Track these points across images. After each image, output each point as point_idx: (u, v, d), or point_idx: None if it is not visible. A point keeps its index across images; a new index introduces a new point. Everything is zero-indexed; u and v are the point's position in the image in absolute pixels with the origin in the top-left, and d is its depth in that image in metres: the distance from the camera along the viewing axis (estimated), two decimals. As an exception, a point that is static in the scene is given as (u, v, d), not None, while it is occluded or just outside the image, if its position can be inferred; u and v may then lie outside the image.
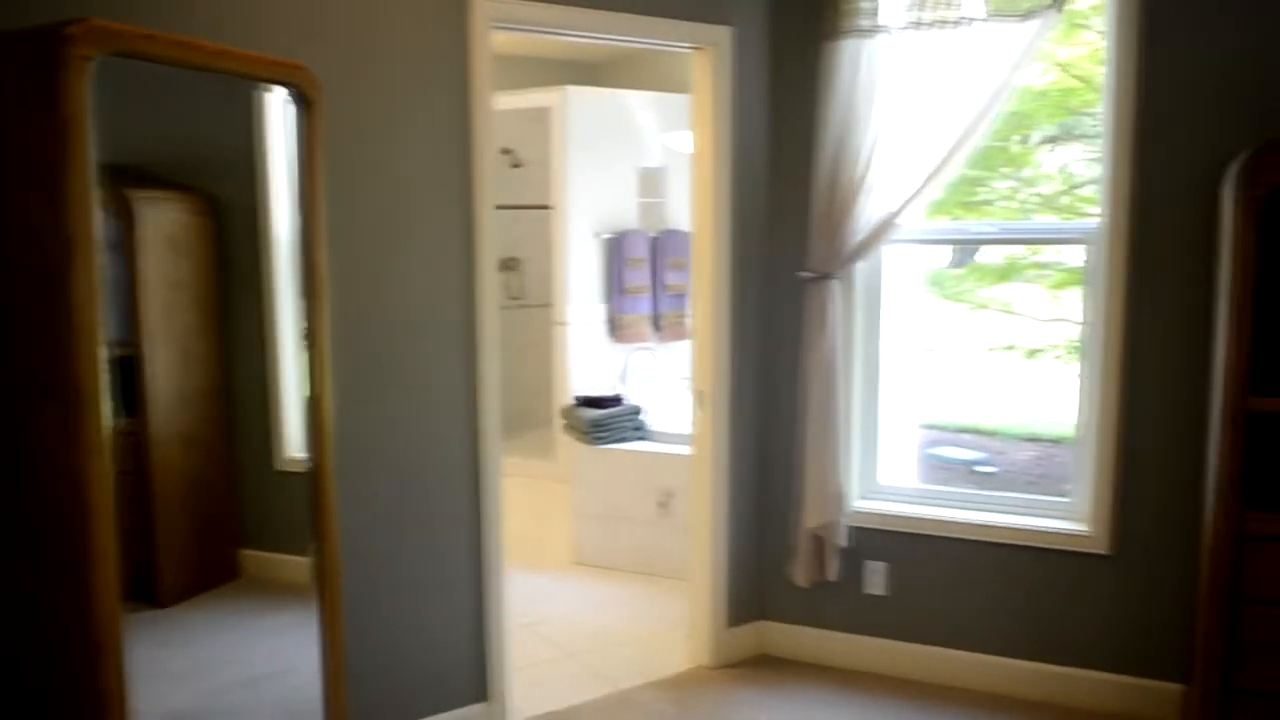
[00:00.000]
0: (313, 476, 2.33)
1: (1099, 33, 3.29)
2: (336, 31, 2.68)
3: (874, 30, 3.23)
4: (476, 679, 3.10)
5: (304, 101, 2.23)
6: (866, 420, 3.57)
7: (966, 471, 6.88)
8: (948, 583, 3.45)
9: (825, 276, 3.34)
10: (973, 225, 3.73)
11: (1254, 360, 2.60)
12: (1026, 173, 6.64)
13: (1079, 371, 3.31)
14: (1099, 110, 3.21)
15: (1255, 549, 2.62)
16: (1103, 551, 3.21)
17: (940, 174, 3.20)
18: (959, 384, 7.61)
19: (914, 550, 3.48)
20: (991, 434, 7.42)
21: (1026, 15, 3.06)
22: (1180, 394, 3.05)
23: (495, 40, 2.95)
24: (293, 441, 2.43)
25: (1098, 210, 3.16)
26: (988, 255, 6.89)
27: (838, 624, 3.60)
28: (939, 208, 6.41)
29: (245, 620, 2.49)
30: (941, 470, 6.91)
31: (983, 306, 6.61)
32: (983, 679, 3.42)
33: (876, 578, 3.52)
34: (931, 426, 7.58)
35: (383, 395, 2.85)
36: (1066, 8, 3.09)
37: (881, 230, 3.28)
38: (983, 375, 7.45)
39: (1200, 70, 2.97)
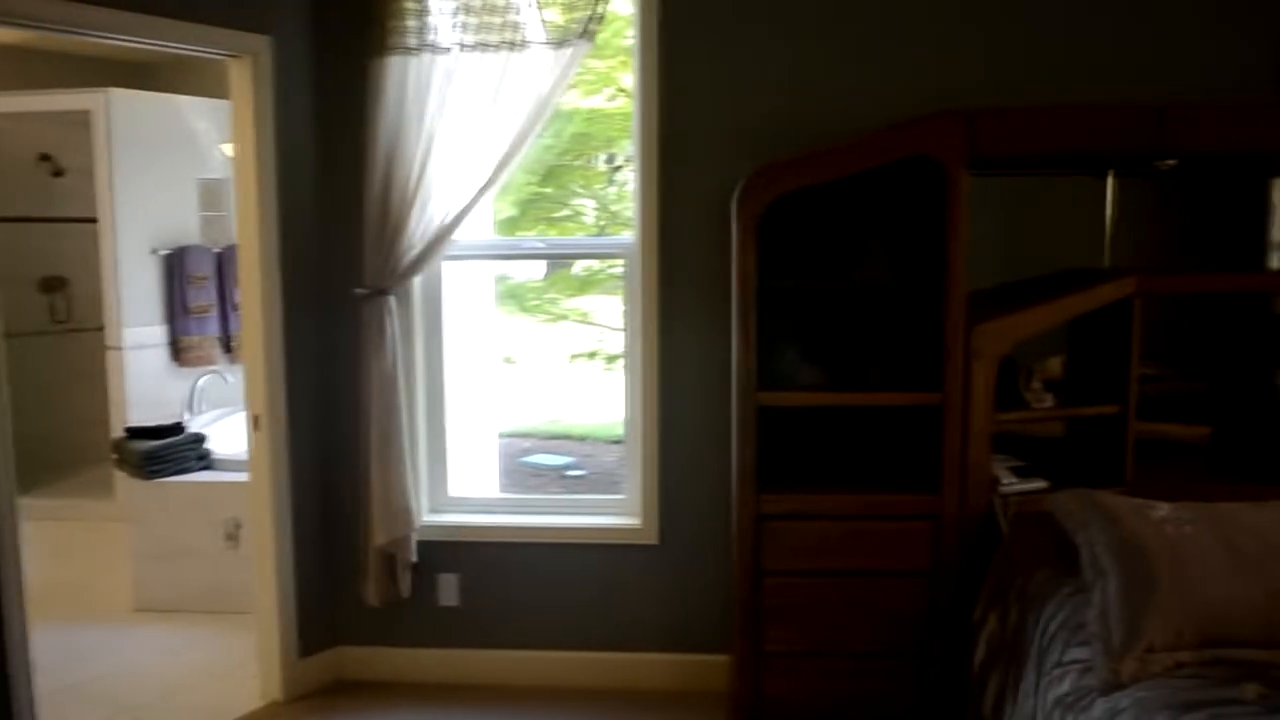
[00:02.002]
0: None
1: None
2: None
3: (420, 49, 3.25)
4: (-4, 757, 2.74)
5: None
6: (433, 435, 3.59)
7: (557, 476, 7.16)
8: (519, 586, 3.56)
9: (381, 292, 3.31)
10: (525, 241, 3.87)
11: (762, 359, 2.93)
12: (613, 190, 7.05)
13: (624, 376, 3.55)
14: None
15: (770, 527, 2.95)
16: (653, 542, 3.47)
17: (490, 189, 3.29)
18: (547, 392, 7.91)
19: (485, 558, 3.55)
20: (582, 438, 7.79)
21: (561, 43, 3.23)
22: (708, 392, 3.37)
23: (25, 35, 2.61)
24: None
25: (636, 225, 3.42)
26: (576, 268, 7.25)
27: (414, 640, 3.59)
28: (519, 223, 6.57)
29: None
30: (534, 477, 7.14)
31: (563, 317, 6.94)
32: (558, 675, 3.56)
33: (449, 590, 3.55)
34: (523, 435, 7.81)
35: None
36: (598, 38, 3.30)
37: (436, 245, 3.31)
38: (569, 382, 7.81)
39: (714, 99, 3.31)
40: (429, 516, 3.55)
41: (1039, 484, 2.95)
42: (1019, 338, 2.88)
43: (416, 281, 3.45)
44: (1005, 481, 2.94)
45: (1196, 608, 2.23)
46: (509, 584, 3.56)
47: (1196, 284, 3.04)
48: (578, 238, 4.23)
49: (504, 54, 3.25)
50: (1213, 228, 3.42)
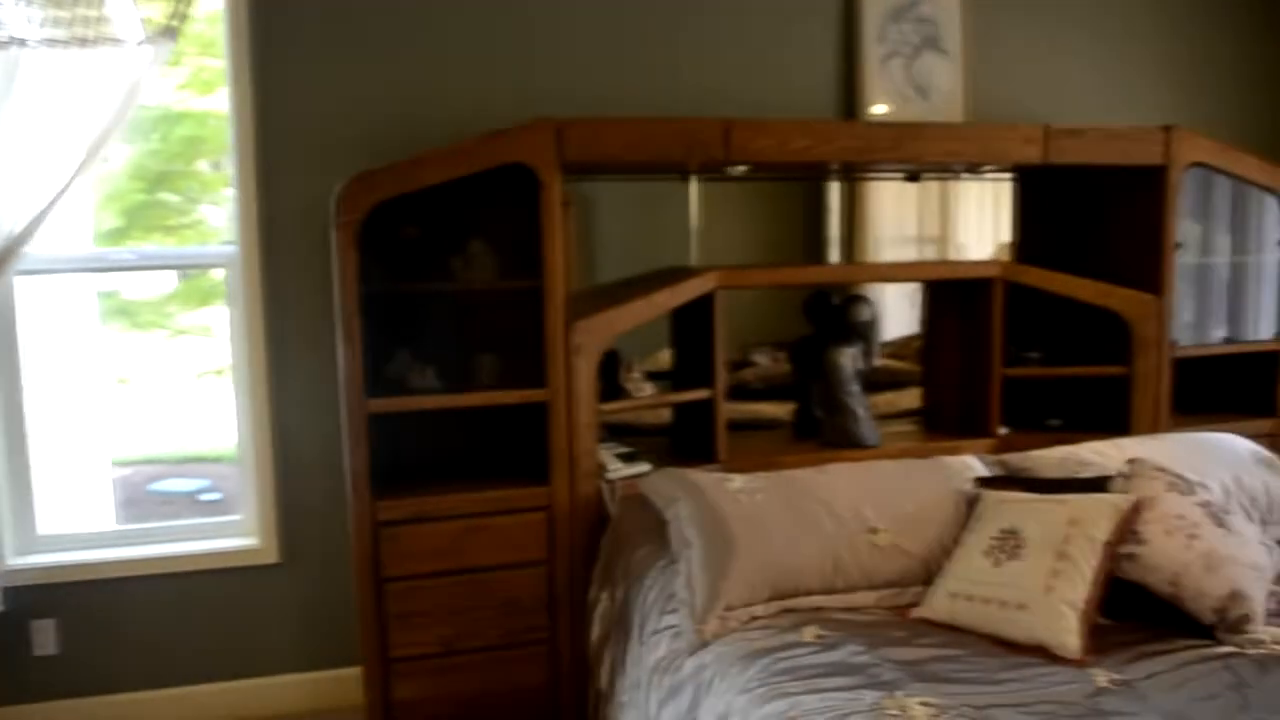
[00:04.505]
0: None
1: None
2: None
3: (-26, 41, 2.94)
4: None
5: None
6: (14, 470, 3.25)
7: (191, 501, 6.70)
8: (131, 624, 3.32)
9: (-63, 314, 2.96)
10: (115, 252, 3.60)
11: (369, 365, 2.93)
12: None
13: (232, 390, 3.41)
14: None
15: (389, 533, 2.95)
16: (274, 561, 3.36)
17: (66, 195, 3.03)
18: (174, 413, 7.38)
19: (88, 598, 3.27)
20: (216, 459, 7.33)
21: (142, 40, 3.05)
22: (324, 402, 3.32)
23: None
24: None
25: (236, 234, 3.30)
26: (197, 280, 6.78)
27: (6, 698, 3.24)
28: (128, 233, 6.09)
29: None
30: (164, 504, 6.64)
31: (184, 332, 6.49)
32: (184, 713, 3.36)
33: (45, 637, 3.24)
34: (152, 461, 7.24)
35: None
36: (208, 36, 3.15)
37: (5, 259, 3.00)
38: (197, 401, 7.32)
39: (315, 104, 3.26)
40: (15, 559, 3.22)
41: (643, 468, 3.16)
42: (617, 332, 3.07)
43: (-16, 300, 3.12)
44: (612, 468, 3.13)
45: (766, 566, 2.50)
46: (118, 622, 3.31)
47: (767, 278, 3.39)
48: (173, 248, 3.98)
49: (75, 50, 3.01)
50: (793, 226, 3.83)
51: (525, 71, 3.39)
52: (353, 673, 3.37)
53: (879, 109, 3.68)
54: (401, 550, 2.95)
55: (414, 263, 3.11)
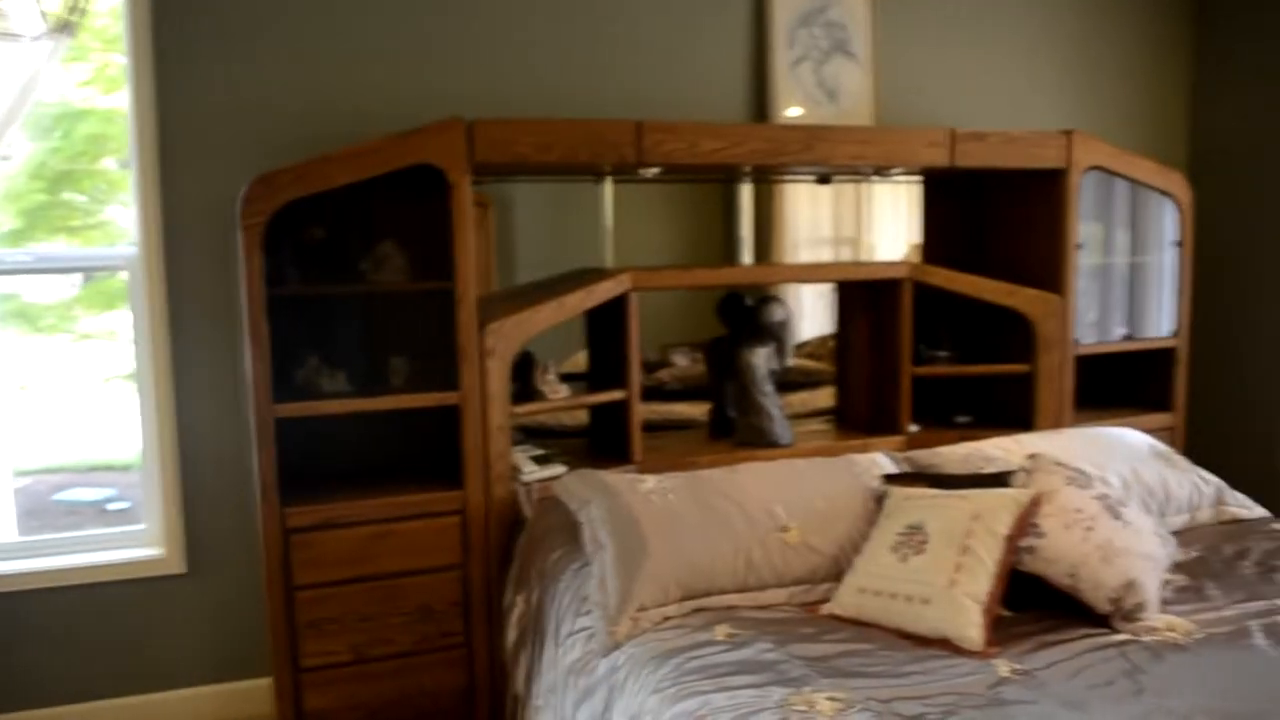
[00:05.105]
0: None
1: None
2: None
3: None
4: None
5: None
6: (-97, 479, 3.13)
7: (98, 511, 6.50)
8: (34, 637, 3.22)
9: None
10: (12, 254, 3.49)
11: (277, 370, 2.87)
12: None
13: (136, 396, 3.32)
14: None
15: (298, 540, 2.89)
16: (179, 571, 3.28)
17: (-45, 199, 2.93)
18: (81, 420, 7.15)
19: (-21, 614, 3.16)
20: (125, 468, 7.12)
21: (38, 35, 2.96)
22: (228, 408, 3.25)
23: None
24: None
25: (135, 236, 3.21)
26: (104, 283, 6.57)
27: (-108, 719, 3.12)
28: (29, 234, 5.90)
29: None
30: (69, 515, 6.43)
31: (88, 337, 6.30)
32: (83, 730, 3.26)
33: (-65, 654, 3.12)
34: (57, 470, 7.01)
35: None
36: (82, 30, 3.06)
37: (-111, 263, 2.89)
38: (104, 408, 7.11)
39: (216, 104, 3.18)
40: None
41: (558, 469, 3.15)
42: (530, 334, 3.06)
43: None
44: (526, 470, 3.11)
45: (679, 566, 2.51)
46: (19, 637, 3.19)
47: (680, 279, 3.41)
48: (75, 249, 3.87)
49: (-36, 46, 2.91)
50: (709, 228, 3.86)
51: (435, 71, 3.36)
52: (263, 684, 3.31)
53: (793, 112, 3.73)
54: (312, 557, 2.90)
55: (322, 264, 3.06)
